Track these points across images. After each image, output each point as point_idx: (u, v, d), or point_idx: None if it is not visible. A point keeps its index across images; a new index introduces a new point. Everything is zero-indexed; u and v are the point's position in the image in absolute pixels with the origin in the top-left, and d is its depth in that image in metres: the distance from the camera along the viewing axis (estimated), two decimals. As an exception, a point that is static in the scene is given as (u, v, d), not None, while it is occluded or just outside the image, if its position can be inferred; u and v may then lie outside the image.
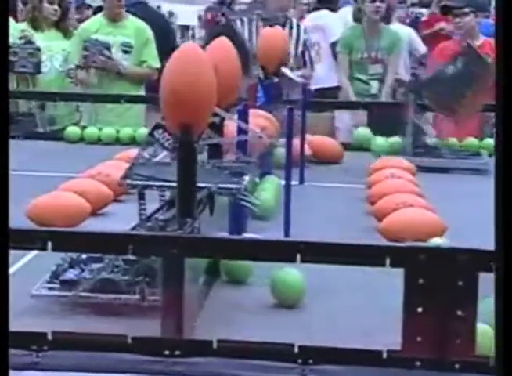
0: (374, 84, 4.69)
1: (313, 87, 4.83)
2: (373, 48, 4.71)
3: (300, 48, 4.49)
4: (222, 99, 1.69)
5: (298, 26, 4.54)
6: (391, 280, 1.47)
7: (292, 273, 1.74)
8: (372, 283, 1.77)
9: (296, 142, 2.67)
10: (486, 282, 1.36)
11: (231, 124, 2.05)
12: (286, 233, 2.12)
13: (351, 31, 4.87)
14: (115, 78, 4.36)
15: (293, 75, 4.30)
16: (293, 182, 2.30)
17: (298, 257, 1.42)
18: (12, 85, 4.19)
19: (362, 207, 2.59)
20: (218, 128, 1.87)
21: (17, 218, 2.06)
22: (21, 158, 3.17)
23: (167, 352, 1.44)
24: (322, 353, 1.44)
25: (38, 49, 4.17)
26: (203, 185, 1.59)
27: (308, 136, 3.14)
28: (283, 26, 4.44)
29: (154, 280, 1.64)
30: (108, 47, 4.30)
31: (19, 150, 3.29)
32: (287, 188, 2.17)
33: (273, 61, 3.08)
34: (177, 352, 1.44)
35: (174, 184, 1.57)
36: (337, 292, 1.82)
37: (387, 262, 1.39)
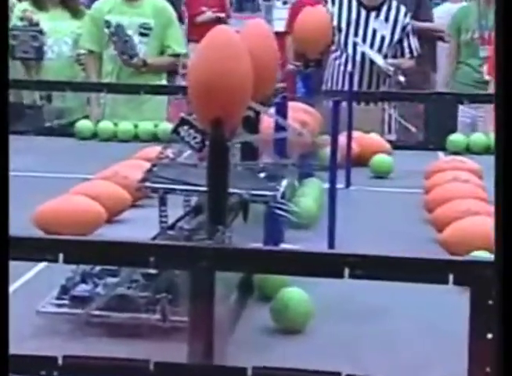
0: (486, 70, 4.48)
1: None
2: (487, 26, 4.55)
3: (397, 35, 4.39)
4: (258, 91, 1.69)
5: (398, 8, 4.44)
6: (453, 299, 1.46)
7: (296, 294, 1.73)
8: (430, 303, 1.75)
9: (341, 139, 2.66)
10: None
11: (267, 120, 2.05)
12: (331, 245, 2.12)
13: (462, 10, 4.76)
14: (135, 72, 4.36)
15: (383, 62, 4.20)
16: (339, 186, 2.30)
17: (346, 271, 1.41)
18: (17, 74, 4.21)
19: (418, 214, 2.58)
20: (252, 124, 1.87)
21: (24, 226, 2.10)
22: (27, 157, 3.21)
23: (194, 381, 1.45)
24: (374, 384, 1.43)
25: (41, 32, 4.18)
26: (234, 190, 1.59)
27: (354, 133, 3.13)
28: (381, 6, 4.39)
29: (177, 297, 1.64)
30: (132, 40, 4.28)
31: (24, 148, 3.34)
32: (332, 192, 2.17)
33: (315, 46, 3.07)
34: (206, 381, 1.45)
35: (202, 188, 1.57)
36: (389, 313, 1.81)
37: (451, 278, 1.38)
